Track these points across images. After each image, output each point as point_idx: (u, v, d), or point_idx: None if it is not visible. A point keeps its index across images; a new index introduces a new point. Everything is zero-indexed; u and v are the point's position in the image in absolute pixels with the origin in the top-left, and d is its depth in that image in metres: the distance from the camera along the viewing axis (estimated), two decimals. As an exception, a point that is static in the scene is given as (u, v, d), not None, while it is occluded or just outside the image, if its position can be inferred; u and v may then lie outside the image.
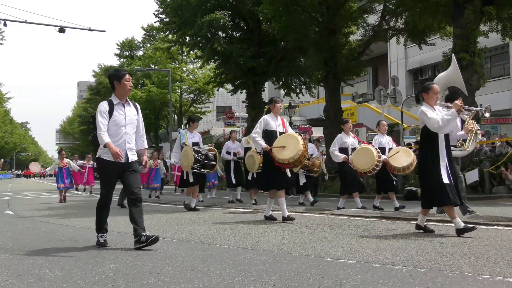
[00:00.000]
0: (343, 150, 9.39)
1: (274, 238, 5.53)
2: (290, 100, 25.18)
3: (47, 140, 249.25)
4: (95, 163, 17.63)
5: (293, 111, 25.23)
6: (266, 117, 7.74)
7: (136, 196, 5.05)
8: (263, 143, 7.36)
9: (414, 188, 12.39)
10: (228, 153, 12.31)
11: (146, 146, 5.69)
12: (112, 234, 6.38)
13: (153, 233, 4.96)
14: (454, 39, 14.35)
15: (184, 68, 39.75)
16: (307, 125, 31.88)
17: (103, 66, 53.73)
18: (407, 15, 17.30)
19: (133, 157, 5.26)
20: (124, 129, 5.26)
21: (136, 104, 5.81)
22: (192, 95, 39.65)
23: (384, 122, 9.78)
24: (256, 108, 23.50)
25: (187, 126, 9.66)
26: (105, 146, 5.01)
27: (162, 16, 23.63)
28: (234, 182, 12.24)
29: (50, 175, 28.50)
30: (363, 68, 20.45)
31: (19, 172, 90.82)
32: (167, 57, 38.55)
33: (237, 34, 23.96)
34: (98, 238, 5.21)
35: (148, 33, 45.90)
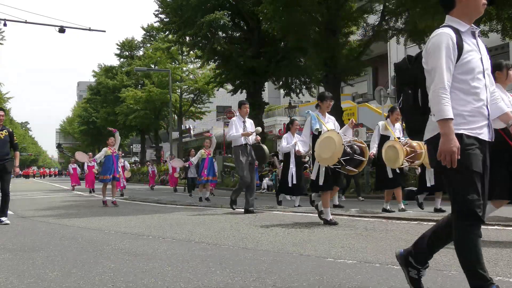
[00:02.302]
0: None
1: (274, 238, 5.53)
2: (290, 100, 25.18)
3: (47, 140, 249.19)
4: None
5: (293, 111, 25.22)
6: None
7: None
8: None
9: (414, 188, 12.38)
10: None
11: None
12: (112, 234, 6.39)
13: None
14: (454, 39, 14.33)
15: (184, 68, 39.74)
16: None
17: (103, 66, 53.75)
18: (407, 15, 17.30)
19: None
20: None
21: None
22: (192, 95, 39.64)
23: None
24: (256, 108, 23.49)
25: (317, 107, 7.24)
26: None
27: (162, 16, 23.61)
28: (291, 184, 9.83)
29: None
30: (363, 68, 20.45)
31: (20, 172, 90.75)
32: (167, 57, 38.54)
33: (237, 34, 23.95)
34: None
35: (148, 33, 45.89)
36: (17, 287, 3.45)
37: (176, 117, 38.97)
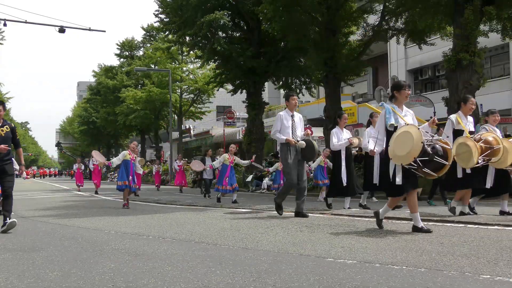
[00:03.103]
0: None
1: (274, 238, 5.53)
2: (290, 100, 25.14)
3: (47, 140, 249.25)
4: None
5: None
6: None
7: None
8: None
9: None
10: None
11: None
12: (112, 234, 6.39)
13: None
14: (454, 39, 14.36)
15: (184, 68, 39.75)
16: (307, 125, 31.93)
17: (103, 66, 53.77)
18: (407, 15, 17.31)
19: None
20: None
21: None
22: (192, 95, 39.65)
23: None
24: (256, 108, 23.51)
25: (392, 99, 6.23)
26: None
27: (162, 16, 23.63)
28: (345, 183, 9.00)
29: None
30: (363, 68, 20.45)
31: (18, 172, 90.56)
32: (167, 57, 38.55)
33: (237, 34, 23.97)
34: None
35: (148, 33, 45.91)
36: (17, 287, 3.45)
37: (176, 117, 38.97)
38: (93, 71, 54.66)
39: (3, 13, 33.44)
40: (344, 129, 9.12)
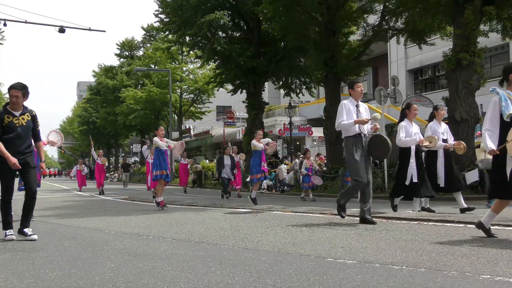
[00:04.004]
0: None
1: (274, 238, 5.53)
2: (290, 100, 25.20)
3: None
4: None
5: (293, 111, 25.23)
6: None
7: None
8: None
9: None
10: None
11: None
12: (112, 234, 6.39)
13: None
14: (454, 39, 14.36)
15: (184, 68, 39.78)
16: (307, 125, 31.93)
17: (103, 66, 53.77)
18: (407, 15, 17.31)
19: None
20: None
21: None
22: (192, 95, 39.66)
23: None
24: (256, 108, 23.51)
25: (503, 83, 5.25)
26: None
27: (162, 16, 23.63)
28: (415, 182, 7.84)
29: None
30: (363, 68, 20.47)
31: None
32: (167, 57, 38.58)
33: (237, 34, 23.97)
34: None
35: (148, 33, 45.96)
36: (17, 287, 3.45)
37: (176, 117, 38.99)
38: (93, 71, 54.70)
39: (3, 13, 33.48)
40: (413, 122, 8.04)
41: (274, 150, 8.66)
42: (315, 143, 30.72)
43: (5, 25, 20.92)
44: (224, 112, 33.96)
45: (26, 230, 5.89)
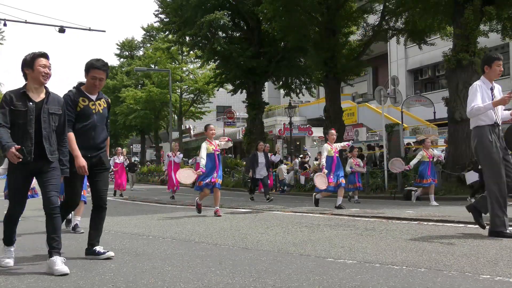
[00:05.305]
0: None
1: (274, 238, 5.52)
2: (290, 100, 25.21)
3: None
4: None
5: (293, 111, 25.23)
6: None
7: None
8: None
9: (414, 188, 12.38)
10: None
11: None
12: (112, 234, 6.38)
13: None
14: (454, 39, 14.37)
15: (184, 68, 39.77)
16: (307, 125, 31.93)
17: (103, 66, 53.63)
18: (407, 15, 17.33)
19: None
20: None
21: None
22: (192, 95, 39.65)
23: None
24: (256, 108, 23.51)
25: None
26: None
27: (162, 16, 23.65)
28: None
29: None
30: (363, 68, 20.49)
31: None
32: (167, 57, 38.56)
33: (237, 34, 23.98)
34: None
35: (148, 33, 45.91)
36: (17, 287, 3.45)
37: (176, 117, 38.98)
38: (93, 71, 54.53)
39: (3, 13, 33.46)
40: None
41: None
42: (315, 143, 30.71)
43: (5, 25, 20.90)
44: (224, 112, 33.97)
45: (98, 248, 4.57)
